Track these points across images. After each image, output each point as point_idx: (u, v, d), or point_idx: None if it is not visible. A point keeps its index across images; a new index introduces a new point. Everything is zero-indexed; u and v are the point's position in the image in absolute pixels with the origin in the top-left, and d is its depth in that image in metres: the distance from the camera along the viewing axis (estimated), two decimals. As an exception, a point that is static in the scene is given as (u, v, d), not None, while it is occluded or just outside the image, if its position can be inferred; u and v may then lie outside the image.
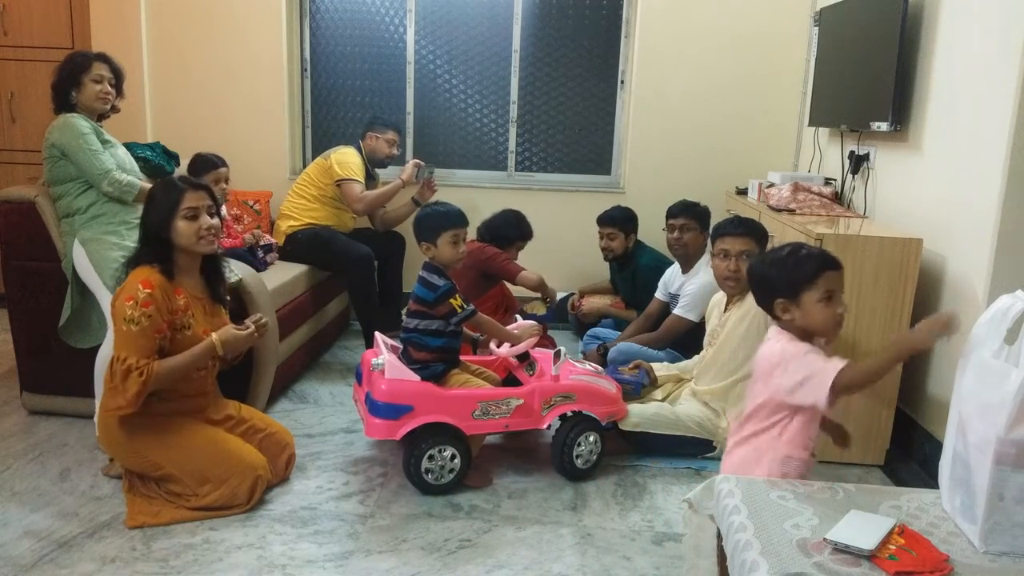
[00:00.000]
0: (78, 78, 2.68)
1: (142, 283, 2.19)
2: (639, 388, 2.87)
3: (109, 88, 2.74)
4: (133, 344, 2.16)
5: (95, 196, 2.66)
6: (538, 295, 3.66)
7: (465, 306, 2.54)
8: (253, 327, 2.39)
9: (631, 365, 2.96)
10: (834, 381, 1.67)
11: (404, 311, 2.66)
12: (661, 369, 2.99)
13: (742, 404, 2.68)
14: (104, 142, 2.69)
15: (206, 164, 3.38)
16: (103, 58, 2.75)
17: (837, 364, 1.70)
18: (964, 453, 1.53)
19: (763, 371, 1.82)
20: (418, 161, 4.04)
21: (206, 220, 2.31)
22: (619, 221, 3.71)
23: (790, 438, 1.80)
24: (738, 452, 1.89)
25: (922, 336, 1.63)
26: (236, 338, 2.33)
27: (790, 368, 1.74)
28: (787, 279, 1.81)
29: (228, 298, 2.55)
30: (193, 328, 2.29)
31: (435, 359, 2.56)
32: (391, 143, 3.97)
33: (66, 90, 2.68)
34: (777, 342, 1.82)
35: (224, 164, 3.43)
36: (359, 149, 3.93)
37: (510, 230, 3.65)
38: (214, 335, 2.31)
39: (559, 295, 3.77)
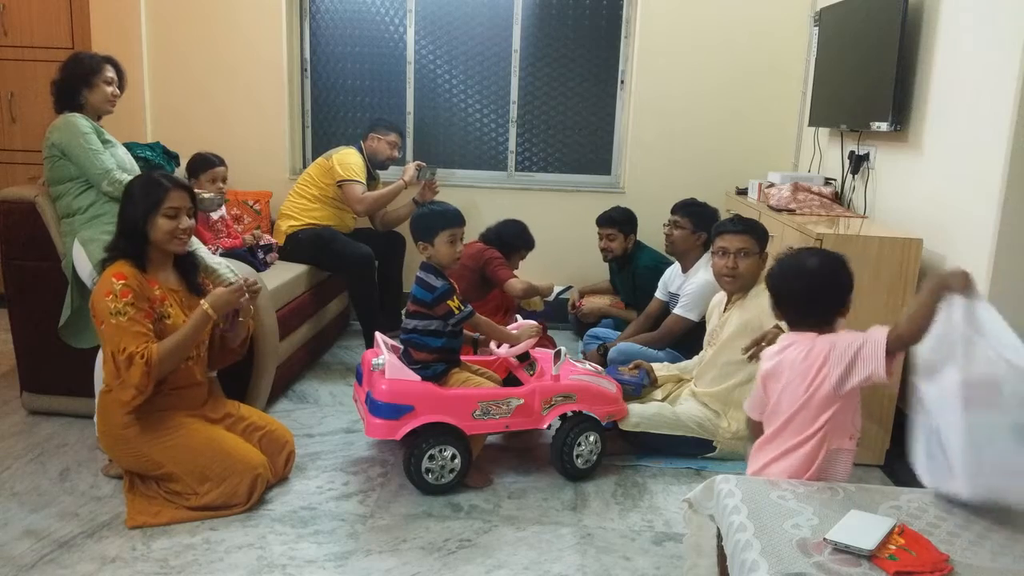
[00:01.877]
0: (90, 79, 2.70)
1: (115, 276, 2.20)
2: (639, 388, 2.87)
3: (117, 91, 2.77)
4: (126, 334, 2.17)
5: (95, 196, 2.66)
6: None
7: (463, 307, 2.54)
8: (241, 282, 2.36)
9: (631, 365, 2.96)
10: (887, 341, 1.65)
11: (404, 311, 2.66)
12: (661, 369, 2.99)
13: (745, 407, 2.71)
14: (104, 142, 2.69)
15: (204, 163, 3.39)
16: (111, 60, 2.78)
17: (880, 327, 1.69)
18: (933, 422, 1.60)
19: (798, 376, 1.78)
20: (420, 162, 4.04)
21: (184, 221, 2.34)
22: (618, 222, 3.71)
23: (837, 430, 1.77)
24: (778, 466, 1.81)
25: (955, 279, 1.58)
26: (222, 295, 2.31)
27: (832, 358, 1.72)
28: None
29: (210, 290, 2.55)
30: (172, 318, 2.30)
31: (436, 359, 2.55)
32: (392, 145, 3.98)
33: (75, 90, 2.69)
34: (803, 345, 1.79)
35: (222, 163, 3.44)
36: (360, 150, 3.93)
37: (518, 239, 3.66)
38: (203, 301, 2.30)
39: (556, 289, 3.77)
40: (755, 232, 2.73)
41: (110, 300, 2.17)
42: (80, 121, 2.64)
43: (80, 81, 2.69)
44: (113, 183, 2.62)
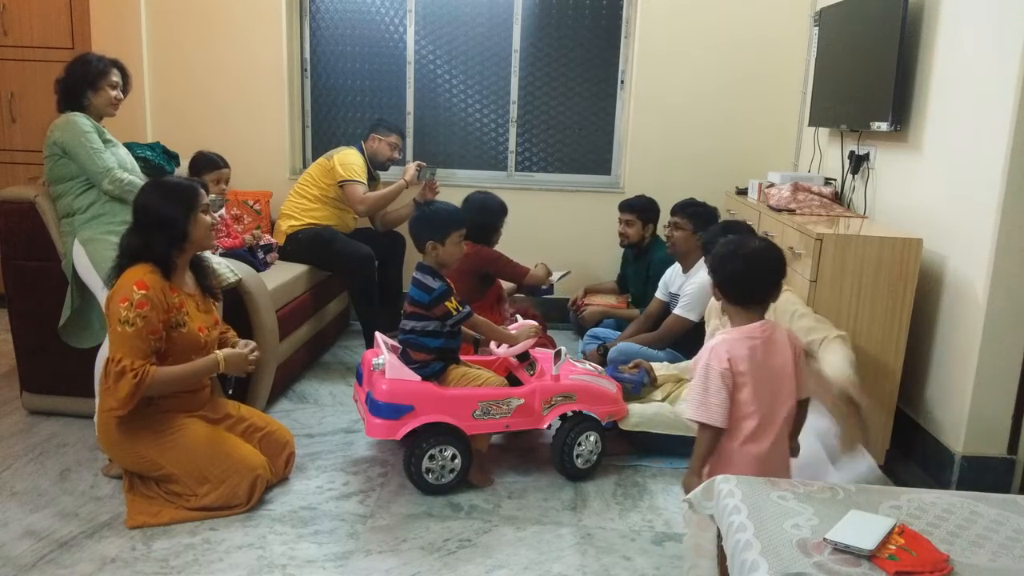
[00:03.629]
0: (95, 82, 2.71)
1: (136, 284, 2.18)
2: (639, 387, 2.87)
3: (121, 95, 2.79)
4: (128, 345, 2.16)
5: (96, 196, 2.66)
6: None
7: (461, 308, 2.53)
8: (256, 356, 2.45)
9: (631, 364, 2.96)
10: None
11: (402, 312, 2.66)
12: (661, 369, 2.99)
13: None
14: (105, 141, 2.69)
15: (208, 163, 3.39)
16: (118, 64, 2.79)
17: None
18: None
19: (779, 375, 1.89)
20: (420, 162, 4.03)
21: (212, 217, 2.40)
22: (637, 208, 3.74)
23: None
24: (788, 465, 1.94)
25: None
26: (238, 359, 2.39)
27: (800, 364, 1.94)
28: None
29: (219, 291, 2.58)
30: (188, 325, 2.30)
31: (434, 359, 2.55)
32: (393, 147, 3.98)
33: (80, 91, 2.70)
34: (762, 339, 1.92)
35: (226, 164, 3.44)
36: (361, 150, 3.92)
37: (493, 216, 3.58)
38: (219, 353, 2.33)
39: (555, 275, 3.77)
40: (733, 233, 2.71)
41: (124, 308, 2.16)
42: (82, 120, 2.64)
43: (85, 83, 2.70)
44: (114, 182, 2.62)
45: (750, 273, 1.88)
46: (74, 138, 2.60)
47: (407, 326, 2.57)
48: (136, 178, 2.71)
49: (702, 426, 1.86)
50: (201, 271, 2.46)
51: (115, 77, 2.75)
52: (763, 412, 1.84)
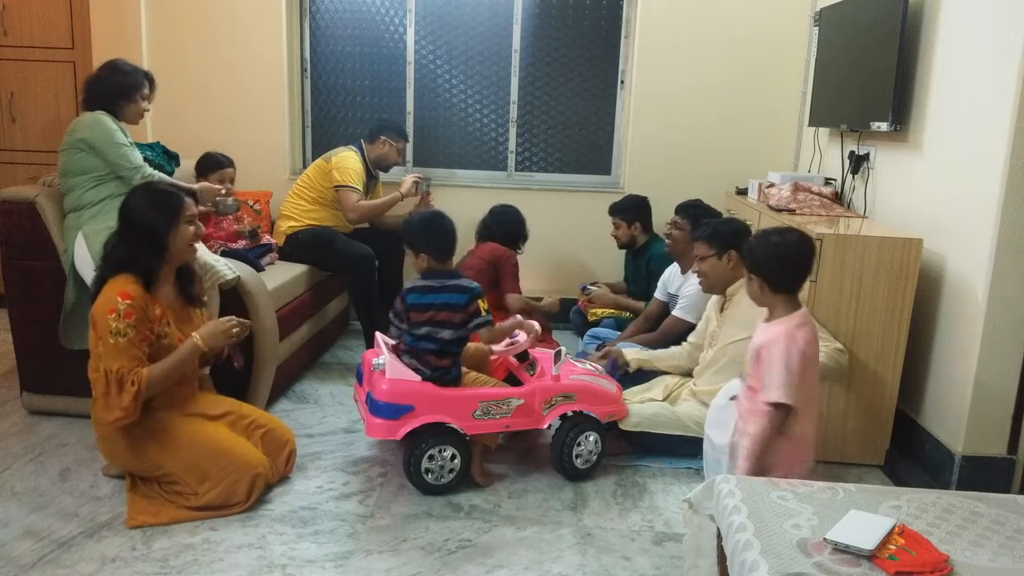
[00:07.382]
0: (131, 94, 2.80)
1: (120, 295, 2.18)
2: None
3: (148, 107, 2.90)
4: (123, 355, 2.16)
5: (108, 192, 2.70)
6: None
7: (486, 312, 2.51)
8: (235, 321, 2.38)
9: (600, 354, 3.01)
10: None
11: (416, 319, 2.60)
12: (632, 353, 3.01)
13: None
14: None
15: (214, 163, 3.42)
16: (150, 77, 2.88)
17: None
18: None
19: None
20: (417, 177, 3.99)
21: (199, 226, 2.38)
22: (618, 210, 3.76)
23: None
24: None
25: None
26: (215, 330, 2.33)
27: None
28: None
29: (204, 298, 2.56)
30: (169, 336, 2.30)
31: (452, 364, 2.52)
32: (400, 152, 3.98)
33: (113, 99, 2.77)
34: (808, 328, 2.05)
35: (231, 164, 3.47)
36: (360, 149, 3.91)
37: (518, 224, 3.66)
38: (195, 334, 2.31)
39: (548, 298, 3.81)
40: (709, 237, 2.74)
41: (112, 319, 2.16)
42: (108, 120, 2.72)
43: (121, 95, 2.78)
44: (146, 177, 2.71)
45: (812, 260, 2.08)
46: (104, 136, 2.67)
47: (436, 334, 2.46)
48: (163, 176, 2.80)
49: (779, 407, 1.95)
50: (187, 277, 2.43)
51: (146, 90, 2.84)
52: (808, 394, 2.00)
